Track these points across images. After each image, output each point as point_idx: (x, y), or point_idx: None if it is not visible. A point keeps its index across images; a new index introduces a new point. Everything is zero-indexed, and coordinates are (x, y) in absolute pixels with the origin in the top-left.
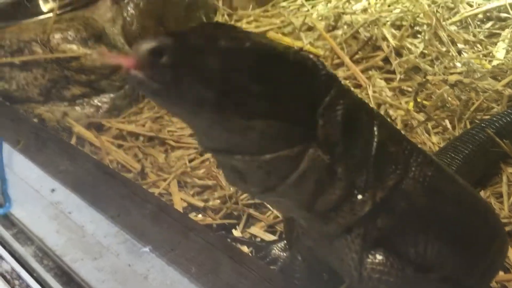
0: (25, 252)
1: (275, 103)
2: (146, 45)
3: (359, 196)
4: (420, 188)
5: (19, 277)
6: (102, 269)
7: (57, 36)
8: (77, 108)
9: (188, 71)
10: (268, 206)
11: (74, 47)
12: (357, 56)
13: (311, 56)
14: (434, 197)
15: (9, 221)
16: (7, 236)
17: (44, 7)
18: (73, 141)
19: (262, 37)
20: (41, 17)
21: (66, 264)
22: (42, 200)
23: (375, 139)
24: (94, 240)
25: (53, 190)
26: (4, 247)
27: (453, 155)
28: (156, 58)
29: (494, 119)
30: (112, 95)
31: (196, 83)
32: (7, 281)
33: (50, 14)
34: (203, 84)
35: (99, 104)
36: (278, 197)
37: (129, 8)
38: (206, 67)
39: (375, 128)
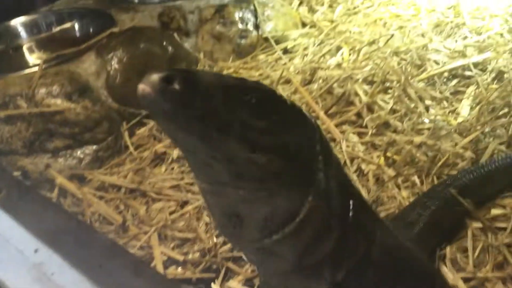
0: None
1: (276, 140)
2: (158, 74)
3: (344, 252)
4: (384, 254)
5: None
6: None
7: (42, 91)
8: (60, 160)
9: (196, 98)
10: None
11: (58, 101)
12: (331, 111)
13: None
14: (392, 261)
15: None
16: None
17: (30, 58)
18: (55, 192)
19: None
20: (27, 70)
21: None
22: (26, 261)
23: (353, 202)
24: None
25: (36, 251)
26: None
27: (420, 211)
28: (167, 85)
29: (458, 176)
30: (95, 146)
31: (202, 111)
32: None
33: (36, 68)
34: (209, 113)
35: (82, 156)
36: (271, 247)
37: (113, 62)
38: (212, 97)
39: (352, 191)
